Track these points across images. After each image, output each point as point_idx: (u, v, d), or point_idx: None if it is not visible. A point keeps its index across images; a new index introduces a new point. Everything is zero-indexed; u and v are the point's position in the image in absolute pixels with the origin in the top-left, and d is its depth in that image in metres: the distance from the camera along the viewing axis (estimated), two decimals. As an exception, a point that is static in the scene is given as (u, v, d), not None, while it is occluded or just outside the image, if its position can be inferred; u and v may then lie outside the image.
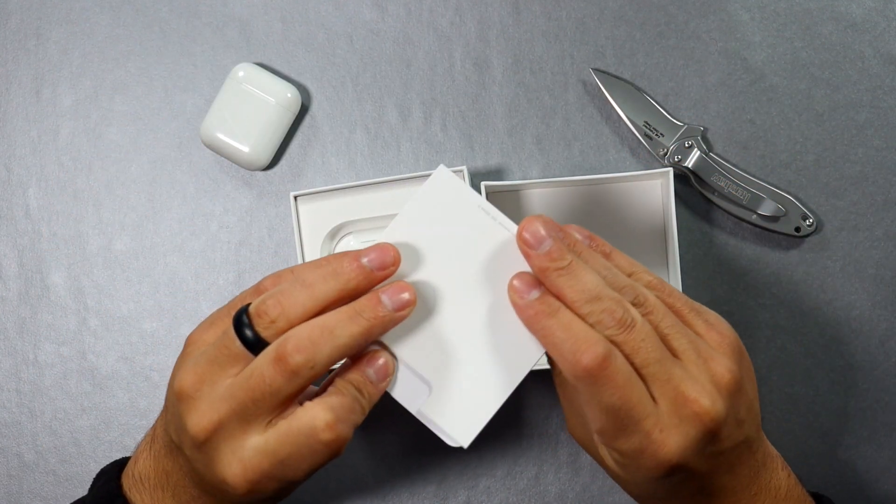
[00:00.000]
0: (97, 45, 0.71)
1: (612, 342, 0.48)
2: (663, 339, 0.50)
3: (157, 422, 0.57)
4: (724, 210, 0.68)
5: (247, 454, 0.50)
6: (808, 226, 0.67)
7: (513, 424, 0.69)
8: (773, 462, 0.54)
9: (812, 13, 0.70)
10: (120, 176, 0.71)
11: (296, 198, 0.67)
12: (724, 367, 0.50)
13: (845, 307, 0.69)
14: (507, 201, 0.68)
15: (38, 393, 0.70)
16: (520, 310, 0.50)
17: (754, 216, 0.67)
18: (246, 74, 0.68)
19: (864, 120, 0.69)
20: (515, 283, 0.50)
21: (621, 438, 0.49)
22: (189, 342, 0.54)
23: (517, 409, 0.69)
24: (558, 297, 0.50)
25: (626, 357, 0.48)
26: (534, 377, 0.69)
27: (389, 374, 0.52)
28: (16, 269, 0.70)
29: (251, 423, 0.50)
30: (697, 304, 0.52)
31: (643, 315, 0.49)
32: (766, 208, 0.67)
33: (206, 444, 0.51)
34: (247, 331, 0.50)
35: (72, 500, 0.62)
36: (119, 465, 0.59)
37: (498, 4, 0.70)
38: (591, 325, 0.48)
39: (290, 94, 0.68)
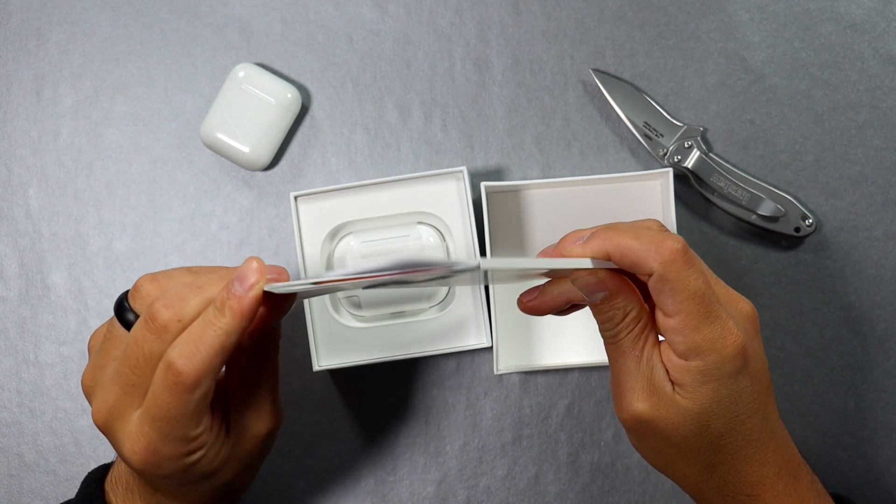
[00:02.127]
0: (98, 45, 0.71)
1: None
2: None
3: None
4: (724, 210, 0.68)
5: (131, 426, 0.51)
6: (808, 226, 0.67)
7: (513, 424, 0.69)
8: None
9: (812, 13, 0.70)
10: (120, 176, 0.71)
11: (296, 198, 0.67)
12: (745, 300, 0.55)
13: (845, 307, 0.69)
14: (507, 201, 0.68)
15: (38, 393, 0.70)
16: (582, 248, 0.52)
17: (754, 216, 0.67)
18: (246, 75, 0.68)
19: (864, 120, 0.69)
20: (565, 239, 0.53)
21: (704, 327, 0.50)
22: (88, 349, 0.56)
23: (517, 409, 0.69)
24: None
25: None
26: (534, 378, 0.69)
27: (256, 276, 0.50)
28: (16, 269, 0.70)
29: (136, 395, 0.51)
30: None
31: None
32: (766, 208, 0.67)
33: (106, 429, 0.52)
34: (128, 314, 0.53)
35: (63, 501, 0.63)
36: (105, 469, 0.60)
37: (498, 4, 0.70)
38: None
39: (290, 94, 0.68)
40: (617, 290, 0.53)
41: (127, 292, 0.53)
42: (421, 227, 0.68)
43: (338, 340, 0.67)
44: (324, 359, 0.67)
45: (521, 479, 0.69)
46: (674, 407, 0.52)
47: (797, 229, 0.67)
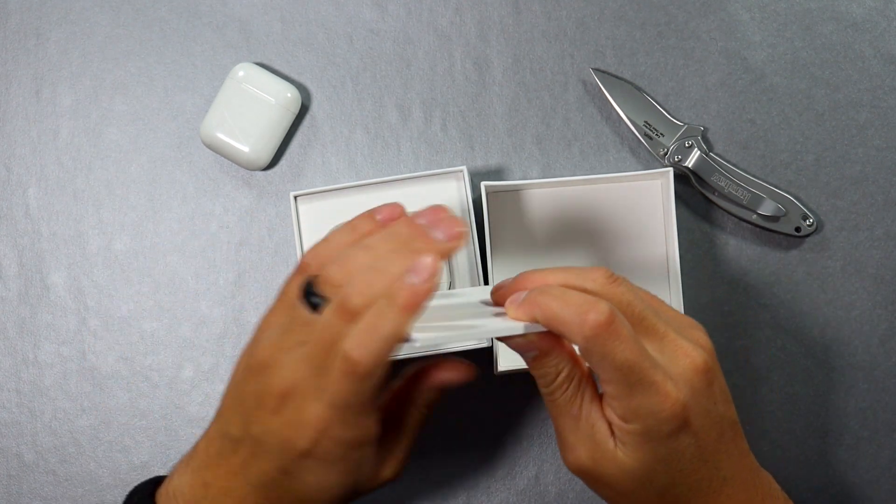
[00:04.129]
0: (97, 44, 0.71)
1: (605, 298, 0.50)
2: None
3: (199, 441, 0.57)
4: (724, 210, 0.68)
5: (310, 406, 0.51)
6: (808, 226, 0.67)
7: (513, 424, 0.69)
8: (767, 476, 0.56)
9: (812, 13, 0.70)
10: (120, 176, 0.71)
11: (296, 198, 0.67)
12: (703, 335, 0.53)
13: (845, 307, 0.69)
14: (507, 201, 0.68)
15: (38, 393, 0.70)
16: (515, 312, 0.52)
17: (754, 216, 0.67)
18: (246, 74, 0.68)
19: (865, 120, 0.69)
20: (501, 296, 0.54)
21: (636, 396, 0.50)
22: (257, 329, 0.55)
23: (517, 409, 0.69)
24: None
25: (625, 310, 0.51)
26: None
27: (431, 271, 0.51)
28: (16, 269, 0.70)
29: (323, 378, 0.51)
30: None
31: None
32: (766, 208, 0.67)
33: (286, 402, 0.51)
34: (314, 298, 0.52)
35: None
36: (154, 483, 0.58)
37: (498, 4, 0.70)
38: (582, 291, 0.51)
39: (290, 94, 0.68)
40: (547, 350, 0.53)
41: (311, 279, 0.53)
42: (421, 226, 0.68)
43: (338, 340, 0.67)
44: (324, 359, 0.67)
45: (521, 479, 0.69)
46: (615, 462, 0.52)
47: (798, 229, 0.67)
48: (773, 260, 0.69)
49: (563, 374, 0.53)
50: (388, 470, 0.57)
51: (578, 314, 0.49)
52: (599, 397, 0.53)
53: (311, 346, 0.51)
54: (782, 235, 0.68)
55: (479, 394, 0.69)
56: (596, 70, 0.69)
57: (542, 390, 0.54)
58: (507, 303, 0.53)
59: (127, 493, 0.58)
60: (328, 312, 0.51)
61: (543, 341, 0.52)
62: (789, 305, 0.69)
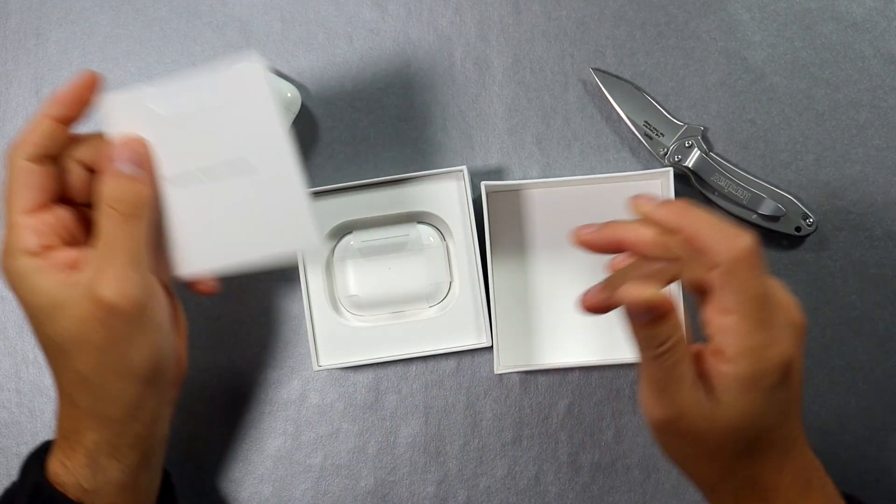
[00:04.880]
0: (97, 44, 0.71)
1: None
2: None
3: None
4: (725, 210, 0.68)
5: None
6: (808, 226, 0.67)
7: (513, 424, 0.69)
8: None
9: (812, 13, 0.70)
10: (120, 176, 0.71)
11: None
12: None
13: (845, 307, 0.69)
14: (507, 201, 0.68)
15: (38, 393, 0.70)
16: (654, 211, 0.52)
17: (754, 216, 0.67)
18: (246, 74, 0.68)
19: (865, 120, 0.69)
20: (637, 199, 0.53)
21: (758, 332, 0.50)
22: None
23: (517, 409, 0.69)
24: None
25: None
26: (534, 378, 0.69)
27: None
28: (16, 269, 0.70)
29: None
30: None
31: None
32: (767, 208, 0.67)
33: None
34: None
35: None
36: (44, 450, 0.59)
37: (498, 4, 0.70)
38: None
39: (290, 94, 0.68)
40: (664, 315, 0.51)
41: None
42: (421, 226, 0.68)
43: (338, 340, 0.67)
44: (324, 359, 0.67)
45: (521, 479, 0.69)
46: (709, 418, 0.52)
47: (798, 229, 0.67)
48: (773, 260, 0.69)
49: (673, 338, 0.51)
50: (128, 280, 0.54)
51: (728, 235, 0.50)
52: (694, 356, 0.53)
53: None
54: (782, 235, 0.68)
55: (479, 394, 0.69)
56: (596, 70, 0.69)
57: (645, 354, 0.52)
58: (643, 201, 0.53)
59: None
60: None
61: (663, 306, 0.51)
62: (789, 305, 0.69)
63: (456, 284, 0.67)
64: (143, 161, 0.56)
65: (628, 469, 0.69)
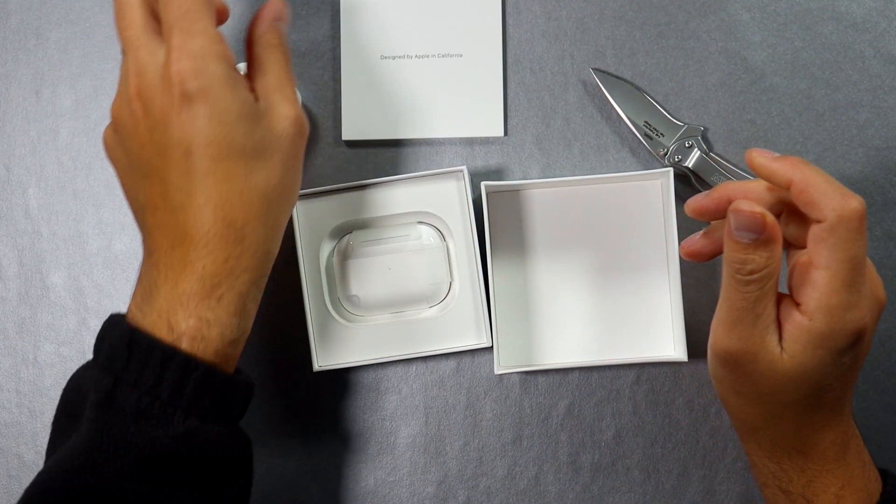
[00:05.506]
0: (97, 45, 0.71)
1: None
2: None
3: (148, 265, 0.56)
4: (725, 210, 0.68)
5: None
6: (809, 226, 0.67)
7: (513, 424, 0.69)
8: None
9: (812, 13, 0.70)
10: (120, 176, 0.71)
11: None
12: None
13: (845, 307, 0.69)
14: (507, 201, 0.68)
15: (38, 393, 0.70)
16: (769, 163, 0.53)
17: (754, 216, 0.67)
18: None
19: (865, 120, 0.69)
20: (754, 151, 0.54)
21: (843, 293, 0.51)
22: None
23: (517, 409, 0.69)
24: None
25: None
26: (534, 378, 0.69)
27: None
28: (16, 269, 0.70)
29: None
30: None
31: None
32: (767, 208, 0.67)
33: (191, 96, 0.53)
34: None
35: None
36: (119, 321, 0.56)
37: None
38: None
39: (290, 94, 0.68)
40: (770, 240, 0.51)
41: None
42: (421, 226, 0.68)
43: (338, 340, 0.67)
44: (323, 359, 0.67)
45: (522, 480, 0.69)
46: (772, 362, 0.53)
47: (798, 229, 0.67)
48: (773, 260, 0.69)
49: (768, 269, 0.52)
50: (287, 107, 0.56)
51: (840, 193, 0.51)
52: (779, 299, 0.53)
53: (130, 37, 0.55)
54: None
55: (479, 394, 0.69)
56: (596, 70, 0.69)
57: (733, 274, 0.52)
58: (756, 153, 0.53)
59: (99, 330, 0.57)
60: None
61: (772, 229, 0.51)
62: (789, 305, 0.69)
63: (456, 284, 0.67)
64: None
65: (628, 469, 0.69)
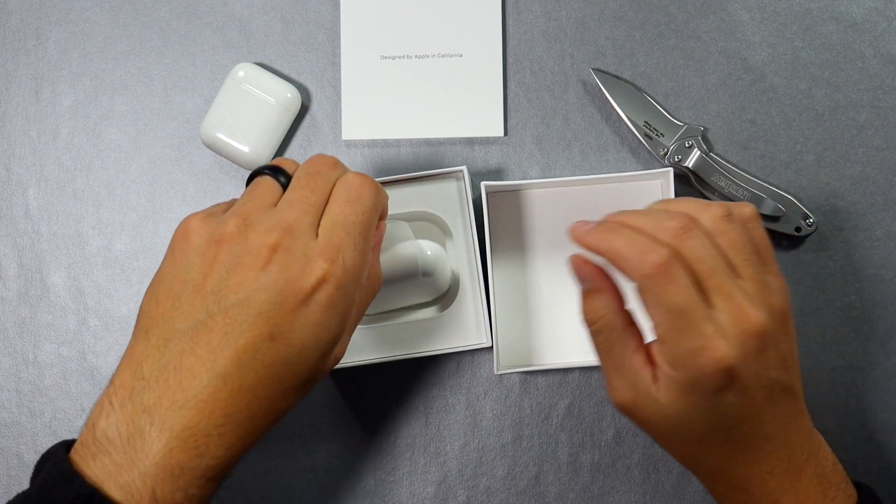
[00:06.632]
0: (97, 44, 0.71)
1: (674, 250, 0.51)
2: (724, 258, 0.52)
3: (118, 373, 0.50)
4: (725, 210, 0.68)
5: (317, 236, 0.51)
6: (808, 226, 0.67)
7: (513, 424, 0.69)
8: (819, 438, 0.56)
9: (812, 13, 0.70)
10: (120, 176, 0.71)
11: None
12: (781, 299, 0.52)
13: (846, 307, 0.69)
14: (507, 201, 0.68)
15: (37, 393, 0.70)
16: (581, 237, 0.53)
17: (754, 216, 0.67)
18: (246, 74, 0.68)
19: (865, 120, 0.69)
20: (574, 225, 0.53)
21: (684, 342, 0.50)
22: (187, 230, 0.52)
23: (517, 409, 0.69)
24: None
25: (690, 265, 0.50)
26: (534, 378, 0.69)
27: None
28: (16, 269, 0.70)
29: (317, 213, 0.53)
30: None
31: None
32: (767, 208, 0.67)
33: (280, 248, 0.49)
34: (281, 176, 0.54)
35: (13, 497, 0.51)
36: (66, 446, 0.50)
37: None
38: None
39: (290, 94, 0.68)
40: (598, 290, 0.54)
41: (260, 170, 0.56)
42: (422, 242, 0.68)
43: (338, 340, 0.67)
44: (324, 359, 0.67)
45: (522, 480, 0.69)
46: (657, 406, 0.52)
47: (798, 229, 0.67)
48: (773, 260, 0.69)
49: (604, 319, 0.53)
50: (345, 342, 0.54)
51: (639, 253, 0.50)
52: (644, 349, 0.53)
53: (292, 198, 0.52)
54: (782, 235, 0.68)
55: (479, 394, 0.69)
56: (596, 70, 0.69)
57: (587, 326, 0.55)
58: (574, 227, 0.53)
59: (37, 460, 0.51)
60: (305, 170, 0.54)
61: (598, 277, 0.54)
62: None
63: (456, 285, 0.67)
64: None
65: (628, 469, 0.69)
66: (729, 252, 0.52)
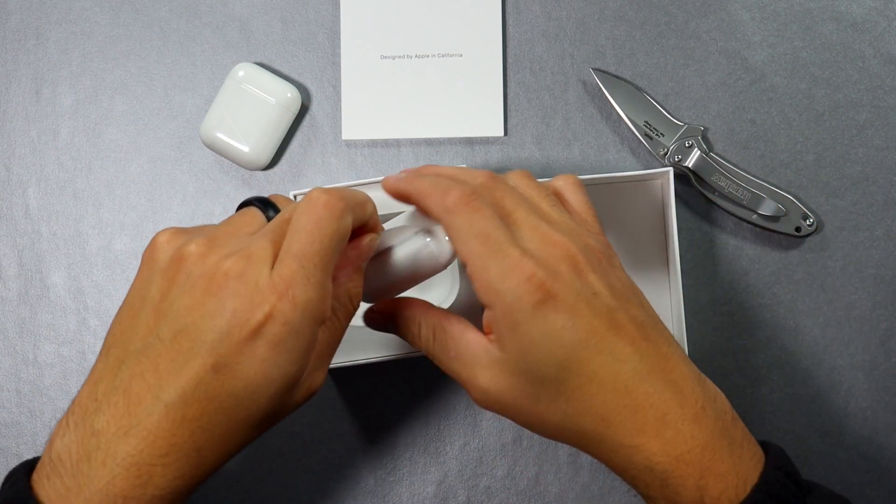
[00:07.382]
0: (97, 44, 0.71)
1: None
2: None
3: (80, 391, 0.49)
4: (725, 210, 0.68)
5: (271, 268, 0.48)
6: (809, 226, 0.67)
7: (513, 424, 0.69)
8: (715, 389, 0.52)
9: (812, 13, 0.70)
10: (120, 176, 0.71)
11: (296, 197, 0.67)
12: (597, 240, 0.52)
13: (845, 307, 0.69)
14: (507, 201, 0.68)
15: (37, 393, 0.70)
16: (391, 184, 0.54)
17: (754, 216, 0.67)
18: (246, 74, 0.68)
19: (865, 120, 0.69)
20: (386, 177, 0.54)
21: (492, 264, 0.49)
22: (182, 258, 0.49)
23: (517, 409, 0.69)
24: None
25: (494, 203, 0.51)
26: (534, 377, 0.69)
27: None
28: (16, 269, 0.70)
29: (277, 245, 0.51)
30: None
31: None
32: (767, 208, 0.67)
33: (234, 277, 0.47)
34: (270, 210, 0.53)
35: None
36: (30, 465, 0.49)
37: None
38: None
39: (290, 94, 0.68)
40: (390, 313, 0.55)
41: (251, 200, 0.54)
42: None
43: (338, 340, 0.67)
44: (324, 359, 0.67)
45: (521, 480, 0.69)
46: (501, 366, 0.50)
47: (798, 229, 0.67)
48: (773, 260, 0.69)
49: (422, 327, 0.54)
50: (319, 374, 0.51)
51: (443, 191, 0.51)
52: (473, 328, 0.52)
53: (266, 228, 0.50)
54: (782, 235, 0.68)
55: (479, 394, 0.69)
56: (596, 70, 0.69)
57: (423, 352, 0.54)
58: (386, 178, 0.54)
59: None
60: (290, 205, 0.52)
61: (381, 312, 0.55)
62: (789, 305, 0.69)
63: (456, 284, 0.67)
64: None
65: (628, 469, 0.69)
66: (534, 199, 0.53)
